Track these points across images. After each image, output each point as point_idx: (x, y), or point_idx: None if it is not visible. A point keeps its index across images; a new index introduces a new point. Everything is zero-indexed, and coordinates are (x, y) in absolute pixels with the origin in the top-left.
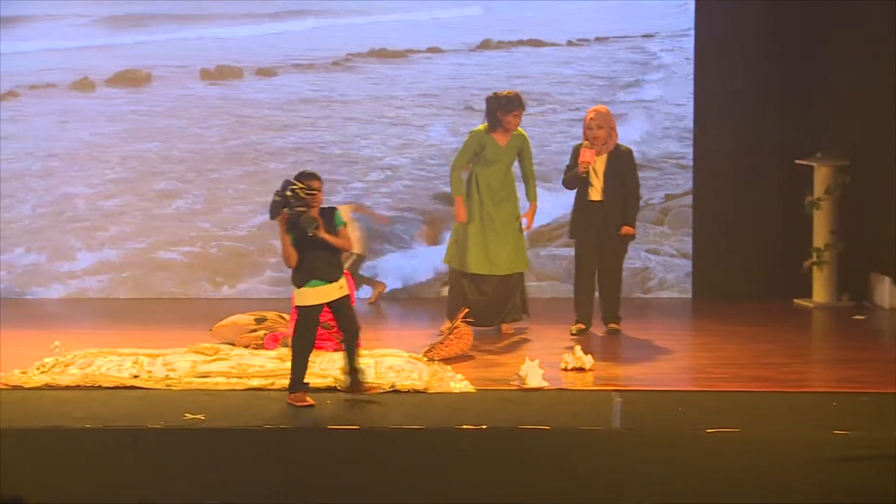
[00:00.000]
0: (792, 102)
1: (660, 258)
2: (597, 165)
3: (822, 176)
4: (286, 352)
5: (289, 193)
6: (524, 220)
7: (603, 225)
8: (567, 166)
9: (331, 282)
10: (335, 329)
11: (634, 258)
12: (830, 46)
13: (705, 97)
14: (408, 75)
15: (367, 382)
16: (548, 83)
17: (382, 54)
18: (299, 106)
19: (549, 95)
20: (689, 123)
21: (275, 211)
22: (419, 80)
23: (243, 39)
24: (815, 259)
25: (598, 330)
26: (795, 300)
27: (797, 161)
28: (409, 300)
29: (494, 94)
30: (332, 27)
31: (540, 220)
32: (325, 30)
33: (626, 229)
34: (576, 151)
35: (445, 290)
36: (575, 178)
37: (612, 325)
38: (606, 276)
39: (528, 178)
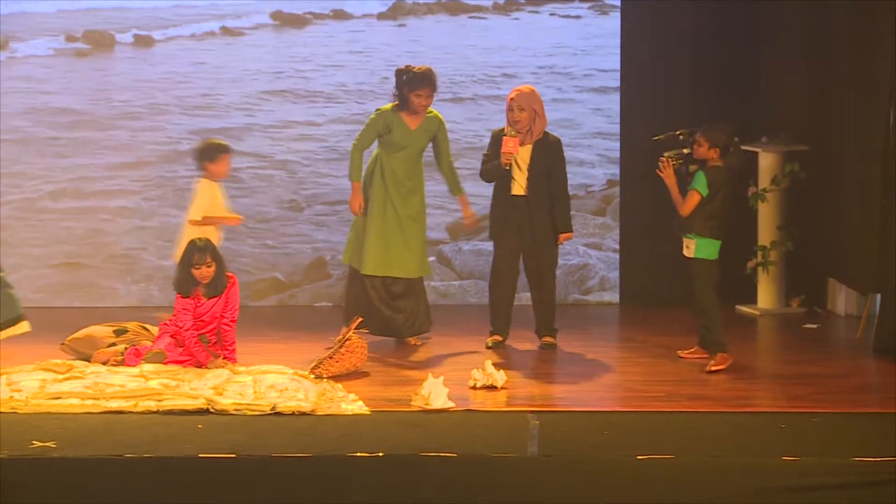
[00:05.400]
0: (733, 78)
1: (601, 254)
2: (521, 156)
3: (768, 164)
4: (150, 369)
5: None
6: (474, 215)
7: (528, 224)
8: (484, 154)
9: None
10: (212, 344)
11: (572, 254)
12: (776, 15)
13: (633, 69)
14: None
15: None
16: (465, 55)
17: (278, 19)
18: (183, 76)
19: (465, 71)
20: (616, 104)
21: None
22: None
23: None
24: (759, 259)
25: (527, 343)
26: (738, 306)
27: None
28: (303, 307)
29: (406, 66)
30: None
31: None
32: None
33: (564, 237)
34: (495, 138)
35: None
36: (496, 171)
37: (547, 339)
38: (539, 284)
39: (449, 170)
